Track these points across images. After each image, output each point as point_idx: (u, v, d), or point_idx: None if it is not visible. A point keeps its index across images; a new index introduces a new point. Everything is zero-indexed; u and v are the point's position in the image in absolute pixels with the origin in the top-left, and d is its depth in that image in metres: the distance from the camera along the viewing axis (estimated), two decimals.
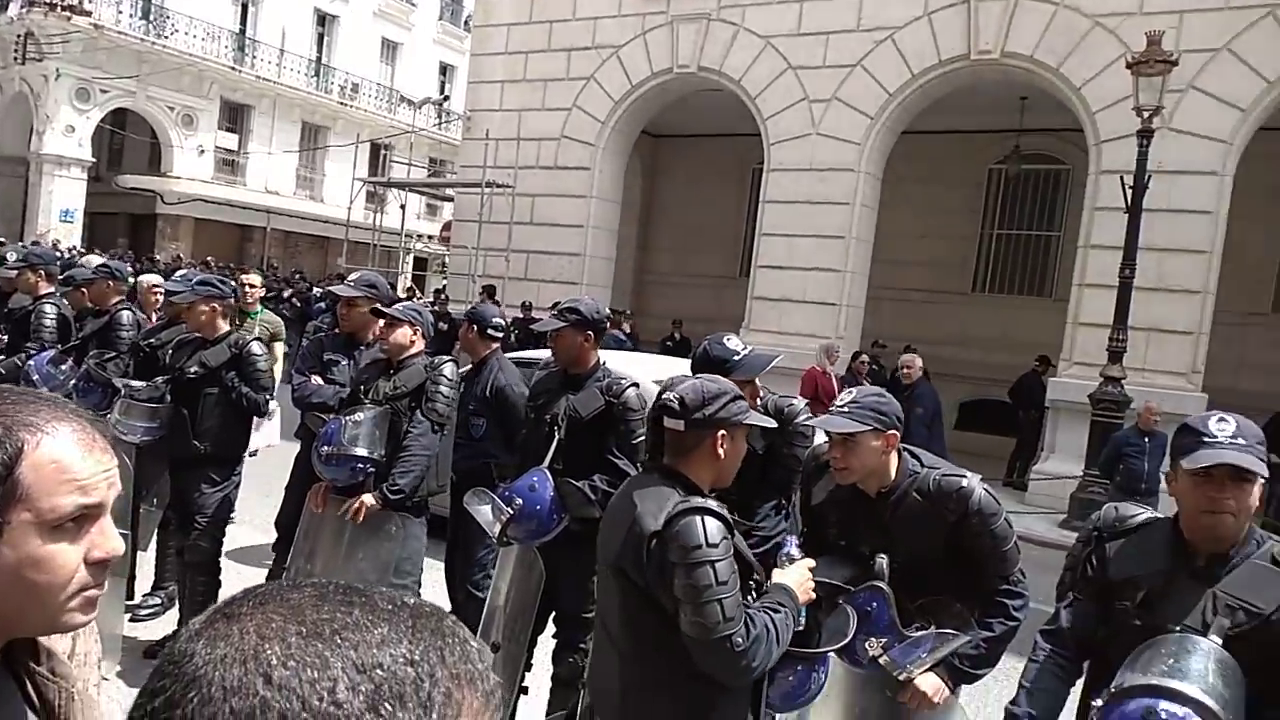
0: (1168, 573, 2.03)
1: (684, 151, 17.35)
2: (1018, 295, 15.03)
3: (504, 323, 4.90)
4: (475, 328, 4.62)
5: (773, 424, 2.56)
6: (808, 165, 12.36)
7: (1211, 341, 10.56)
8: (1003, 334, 13.99)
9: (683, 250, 17.47)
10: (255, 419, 4.66)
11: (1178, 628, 1.94)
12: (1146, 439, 8.21)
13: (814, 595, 2.27)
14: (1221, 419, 2.00)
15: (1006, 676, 2.85)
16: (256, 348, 4.44)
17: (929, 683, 2.43)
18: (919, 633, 2.44)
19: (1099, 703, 1.87)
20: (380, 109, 28.38)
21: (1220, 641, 1.88)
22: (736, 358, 3.06)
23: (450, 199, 18.40)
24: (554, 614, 3.64)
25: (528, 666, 3.64)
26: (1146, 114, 8.97)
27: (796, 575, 2.24)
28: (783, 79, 12.51)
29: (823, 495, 2.71)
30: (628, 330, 14.41)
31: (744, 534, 2.39)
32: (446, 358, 4.20)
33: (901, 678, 2.42)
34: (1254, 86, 9.83)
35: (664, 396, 2.17)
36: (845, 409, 2.50)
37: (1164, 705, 1.73)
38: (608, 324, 3.78)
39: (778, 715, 2.85)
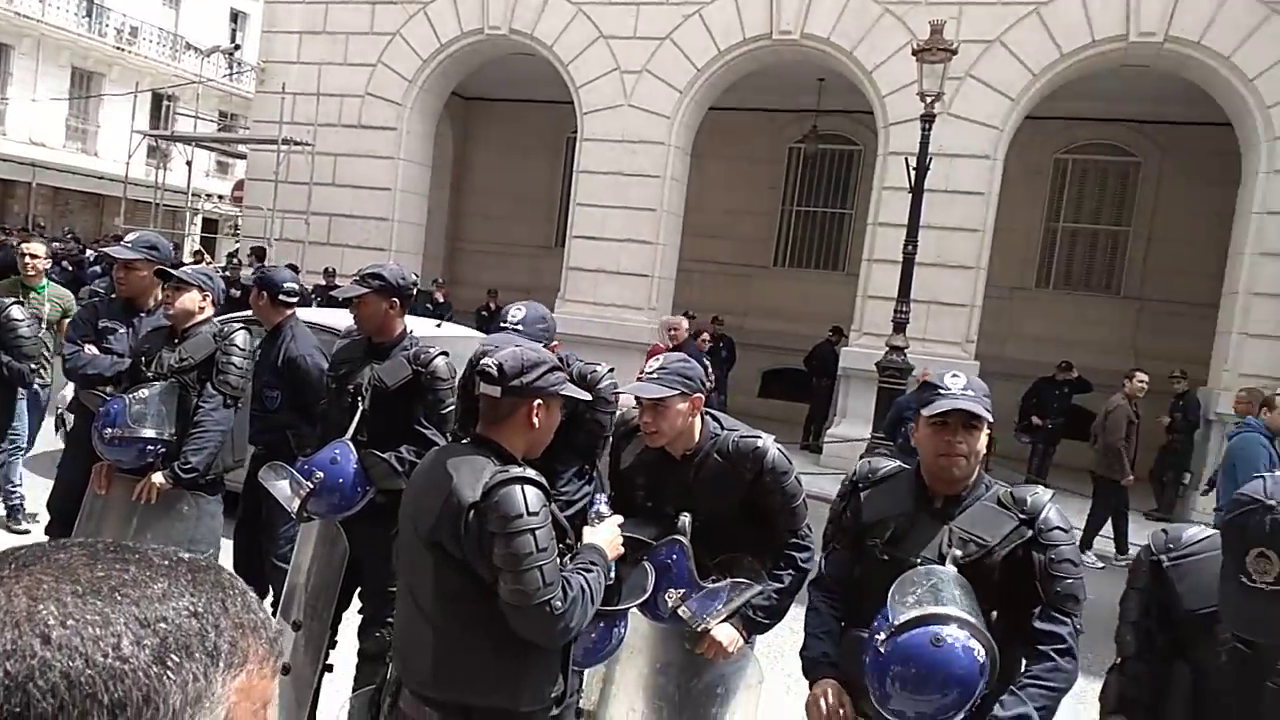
0: (911, 513, 2.29)
1: (499, 116, 17.06)
2: (815, 269, 15.83)
3: (297, 288, 4.68)
4: (266, 294, 4.42)
5: (587, 396, 2.60)
6: (620, 136, 12.47)
7: (984, 313, 11.57)
8: (801, 306, 14.72)
9: (498, 218, 17.23)
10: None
11: (919, 560, 2.20)
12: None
13: (623, 550, 2.34)
14: (954, 375, 2.30)
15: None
16: (17, 312, 4.05)
17: (725, 633, 2.56)
18: (715, 584, 2.58)
19: (881, 637, 2.06)
20: (163, 56, 26.15)
21: (955, 570, 2.15)
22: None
23: (243, 156, 17.24)
24: (359, 589, 3.54)
25: (332, 644, 3.54)
26: (929, 99, 9.64)
27: (606, 533, 2.30)
28: (595, 48, 12.52)
29: (631, 459, 2.81)
30: (440, 299, 14.11)
31: None
32: (238, 325, 3.97)
33: (699, 629, 2.54)
34: (1022, 77, 10.77)
35: (481, 362, 2.14)
36: (654, 375, 2.62)
37: (944, 630, 1.98)
38: (414, 290, 3.67)
39: (585, 672, 2.92)
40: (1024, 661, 2.19)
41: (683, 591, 2.53)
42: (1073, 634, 2.18)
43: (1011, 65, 10.79)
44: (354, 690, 3.51)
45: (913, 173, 9.88)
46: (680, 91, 12.18)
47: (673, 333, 9.55)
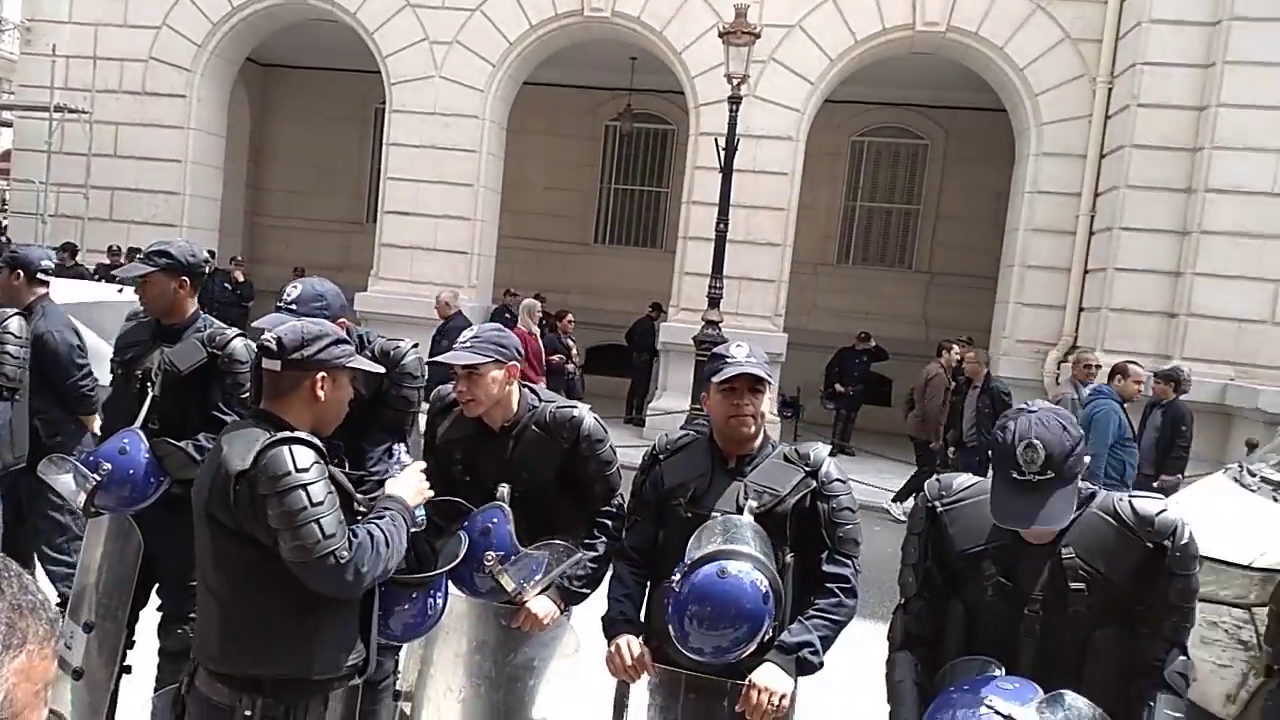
0: (709, 474, 2.47)
1: (301, 85, 16.21)
2: (635, 247, 16.09)
3: (53, 265, 4.41)
4: (21, 273, 4.14)
5: (379, 369, 2.58)
6: (431, 109, 12.15)
7: (790, 288, 12.14)
8: (622, 283, 14.94)
9: (303, 192, 16.42)
10: None
11: (719, 513, 2.37)
12: None
13: (430, 493, 2.37)
14: (739, 344, 2.50)
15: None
16: None
17: (541, 606, 2.60)
18: (536, 550, 2.61)
19: (676, 578, 2.22)
20: None
21: (752, 518, 2.35)
22: None
23: (8, 124, 15.55)
24: (157, 585, 3.34)
25: (129, 644, 3.32)
26: (735, 81, 9.97)
27: (408, 480, 2.31)
28: (401, 16, 12.12)
29: (447, 434, 2.82)
30: (240, 278, 13.32)
31: (356, 481, 2.38)
32: (11, 311, 3.64)
33: (519, 599, 2.58)
34: (821, 61, 11.31)
35: (262, 337, 2.14)
36: (467, 344, 2.65)
37: (730, 564, 2.16)
38: (206, 269, 3.47)
39: (402, 653, 2.89)
40: (817, 595, 2.39)
41: (502, 554, 2.55)
42: (853, 574, 2.41)
43: (810, 50, 11.31)
44: (155, 691, 3.32)
45: (722, 153, 10.20)
46: (493, 65, 12.01)
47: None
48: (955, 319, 13.46)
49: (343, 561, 1.99)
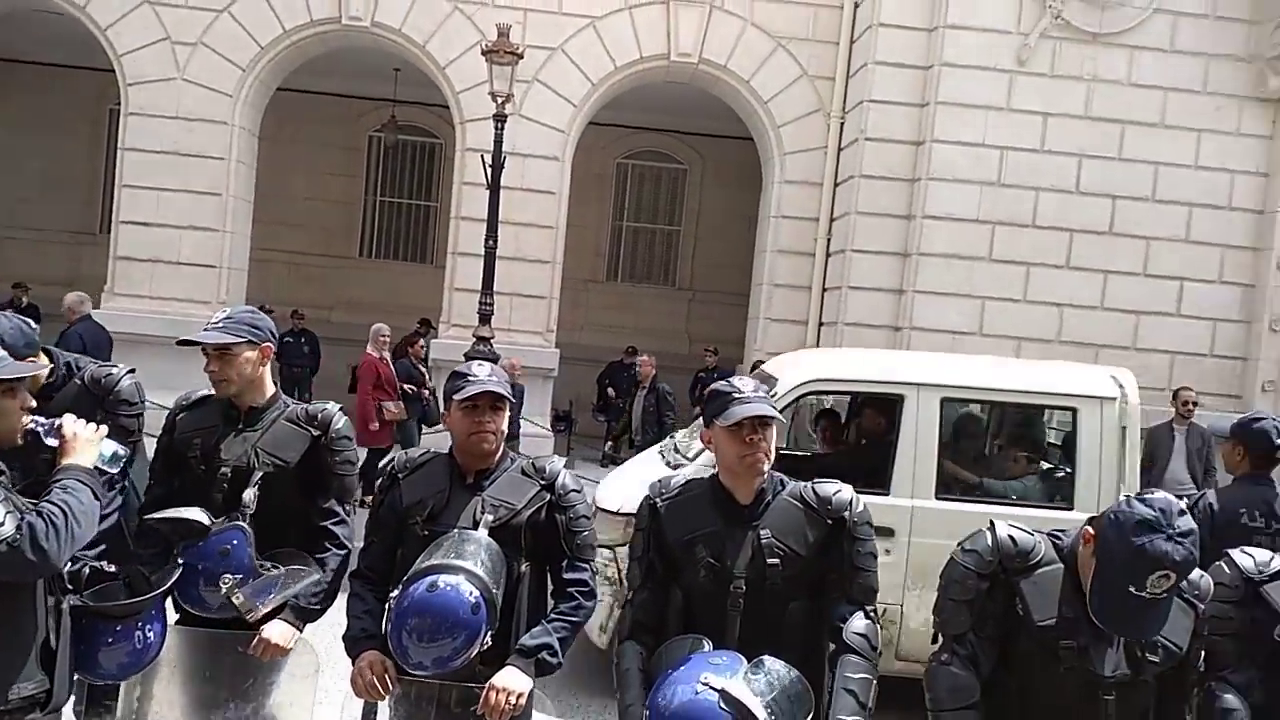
0: (446, 490, 2.53)
1: (22, 82, 14.61)
2: (403, 261, 15.76)
3: None
4: None
5: (29, 372, 2.40)
6: (174, 113, 11.35)
7: (561, 304, 12.35)
8: (390, 298, 14.56)
9: (25, 200, 14.79)
10: None
11: (456, 529, 2.43)
12: (512, 389, 9.37)
13: (104, 429, 2.28)
14: (480, 364, 2.60)
15: None
16: None
17: (278, 632, 2.58)
18: (272, 571, 2.58)
19: (395, 593, 2.28)
20: None
21: (486, 532, 2.41)
22: None
23: None
24: None
25: None
26: (500, 100, 10.05)
27: (81, 450, 2.20)
28: (138, 13, 11.25)
29: (186, 423, 2.82)
30: None
31: None
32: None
33: (251, 618, 2.54)
34: (583, 85, 11.63)
35: None
36: (220, 324, 2.70)
37: (441, 578, 2.21)
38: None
39: (120, 689, 2.71)
40: (553, 601, 2.52)
41: (240, 577, 2.53)
42: (591, 576, 2.57)
43: (573, 73, 11.61)
44: None
45: (489, 170, 10.24)
46: (243, 69, 11.39)
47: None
48: (714, 333, 14.23)
49: (14, 543, 1.93)
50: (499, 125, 10.17)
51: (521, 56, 10.11)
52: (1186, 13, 10.23)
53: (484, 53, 10.05)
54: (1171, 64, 10.26)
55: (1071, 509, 4.66)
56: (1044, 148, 10.28)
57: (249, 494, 2.63)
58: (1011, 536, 2.15)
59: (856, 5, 11.16)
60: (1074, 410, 4.90)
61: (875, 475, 4.76)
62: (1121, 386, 4.90)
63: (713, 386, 2.40)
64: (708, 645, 2.15)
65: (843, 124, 11.26)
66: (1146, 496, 1.97)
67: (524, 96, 11.29)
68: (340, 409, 2.86)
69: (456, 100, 11.62)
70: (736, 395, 2.28)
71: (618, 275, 15.92)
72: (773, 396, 4.44)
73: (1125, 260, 10.37)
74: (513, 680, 2.32)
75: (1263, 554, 2.32)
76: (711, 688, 1.93)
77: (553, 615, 2.47)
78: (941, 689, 2.14)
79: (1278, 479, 3.98)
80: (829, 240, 11.37)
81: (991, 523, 2.23)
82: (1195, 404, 8.05)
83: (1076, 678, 2.06)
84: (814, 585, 2.32)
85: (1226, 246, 10.40)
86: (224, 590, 2.49)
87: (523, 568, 2.47)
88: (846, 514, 2.30)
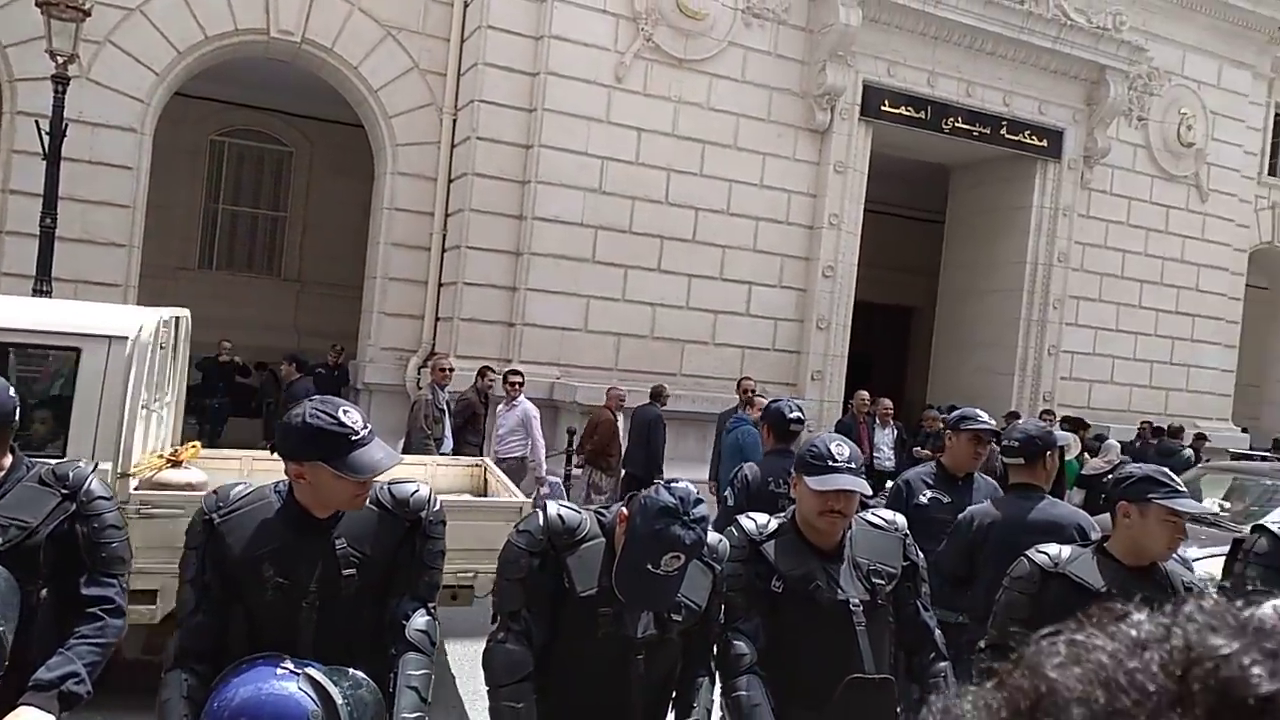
0: None
1: None
2: None
3: None
4: None
5: None
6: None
7: (144, 293, 11.03)
8: None
9: None
10: None
11: None
12: None
13: None
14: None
15: None
16: None
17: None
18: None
19: None
20: None
21: None
22: None
23: None
24: None
25: None
26: (61, 60, 8.74)
27: None
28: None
29: None
30: None
31: None
32: None
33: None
34: (167, 52, 10.48)
35: None
36: None
37: None
38: None
39: None
40: (78, 622, 2.23)
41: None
42: (120, 593, 2.31)
43: (155, 38, 10.42)
44: None
45: (47, 138, 8.86)
46: None
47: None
48: (325, 327, 13.60)
49: None
50: (59, 88, 8.82)
51: (88, 13, 8.87)
52: (755, 49, 11.68)
53: (39, 4, 8.67)
54: (743, 93, 11.65)
55: (64, 455, 4.04)
56: (639, 160, 11.17)
57: None
58: (560, 515, 2.31)
59: (467, 4, 11.26)
60: (77, 351, 4.30)
61: None
62: (141, 327, 4.38)
63: None
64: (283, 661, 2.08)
65: (455, 121, 11.33)
66: (672, 486, 2.24)
67: (93, 59, 9.93)
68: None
69: (3, 54, 9.91)
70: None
71: (212, 262, 14.60)
72: None
73: (706, 265, 11.61)
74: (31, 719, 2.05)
75: (762, 517, 2.68)
76: (283, 680, 1.90)
77: (74, 640, 2.19)
78: (498, 666, 2.25)
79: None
80: (444, 235, 11.39)
81: (544, 503, 2.41)
82: (753, 391, 9.22)
83: (613, 641, 2.27)
84: (385, 588, 2.31)
85: (785, 256, 12.06)
86: None
87: (43, 593, 2.19)
88: (424, 513, 2.32)
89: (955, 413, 4.13)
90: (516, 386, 8.87)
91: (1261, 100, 15.64)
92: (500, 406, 9.00)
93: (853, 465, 2.53)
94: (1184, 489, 2.65)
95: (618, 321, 11.24)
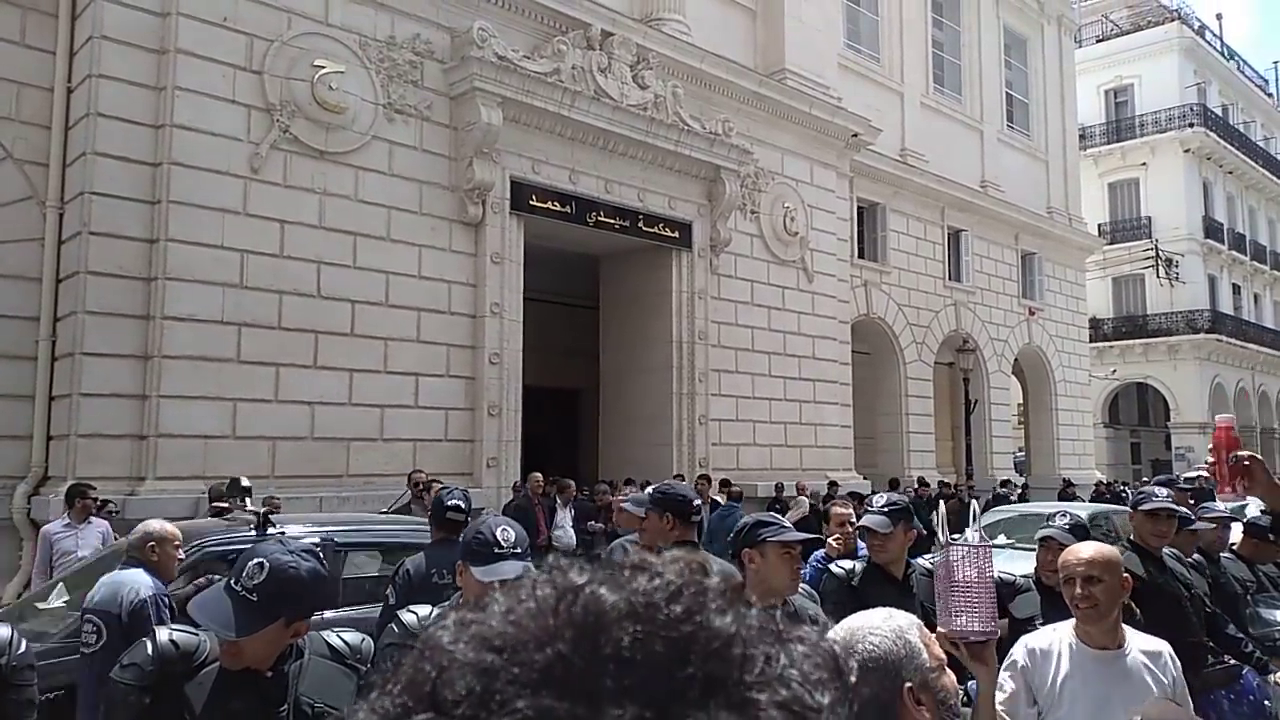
0: None
1: None
2: None
3: None
4: None
5: None
6: None
7: None
8: None
9: None
10: None
11: None
12: None
13: None
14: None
15: None
16: None
17: None
18: None
19: None
20: None
21: None
22: None
23: None
24: None
25: None
26: None
27: None
28: None
29: None
30: None
31: None
32: None
33: None
34: None
35: None
36: None
37: None
38: None
39: None
40: None
41: None
42: None
43: None
44: None
45: None
46: None
47: None
48: None
49: None
50: None
51: None
52: (401, 143, 11.73)
53: None
54: (393, 185, 11.61)
55: None
56: (284, 253, 10.65)
57: None
58: (173, 640, 2.06)
59: (70, 90, 10.21)
60: None
61: None
62: None
63: None
64: None
65: (61, 215, 10.09)
66: None
67: None
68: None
69: None
70: None
71: None
72: None
73: (368, 359, 11.23)
74: None
75: (424, 609, 2.68)
76: None
77: None
78: None
79: None
80: (53, 342, 9.97)
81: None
82: (423, 485, 8.98)
83: None
84: None
85: (451, 345, 12.01)
86: None
87: None
88: (3, 660, 2.05)
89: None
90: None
91: (845, 195, 18.43)
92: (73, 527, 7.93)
93: (518, 550, 2.54)
94: (790, 525, 2.97)
95: (272, 424, 10.46)
